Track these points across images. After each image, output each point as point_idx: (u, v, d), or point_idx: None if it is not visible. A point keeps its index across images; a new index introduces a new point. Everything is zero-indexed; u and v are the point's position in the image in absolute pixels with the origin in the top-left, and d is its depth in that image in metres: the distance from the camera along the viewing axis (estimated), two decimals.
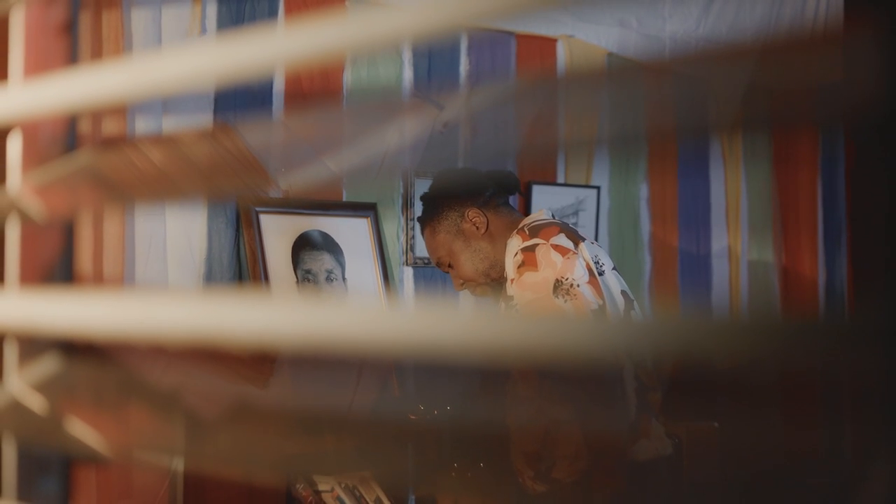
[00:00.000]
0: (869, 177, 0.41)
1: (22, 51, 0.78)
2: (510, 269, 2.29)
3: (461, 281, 2.52)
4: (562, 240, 2.29)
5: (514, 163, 3.75)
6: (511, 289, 2.28)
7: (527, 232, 2.32)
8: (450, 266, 2.51)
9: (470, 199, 2.53)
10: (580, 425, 2.23)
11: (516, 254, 2.28)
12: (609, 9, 3.59)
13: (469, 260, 2.48)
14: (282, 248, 3.04)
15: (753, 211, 4.32)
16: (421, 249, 3.47)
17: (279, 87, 3.07)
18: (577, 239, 2.33)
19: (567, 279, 2.22)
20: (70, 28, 0.80)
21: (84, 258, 2.46)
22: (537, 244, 2.27)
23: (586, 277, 2.25)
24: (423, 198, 2.61)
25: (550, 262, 2.24)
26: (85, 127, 1.91)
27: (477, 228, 2.49)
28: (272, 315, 0.64)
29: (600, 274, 2.32)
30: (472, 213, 2.49)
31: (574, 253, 2.27)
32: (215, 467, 2.69)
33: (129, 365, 0.78)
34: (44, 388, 0.77)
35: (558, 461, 2.26)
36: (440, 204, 2.54)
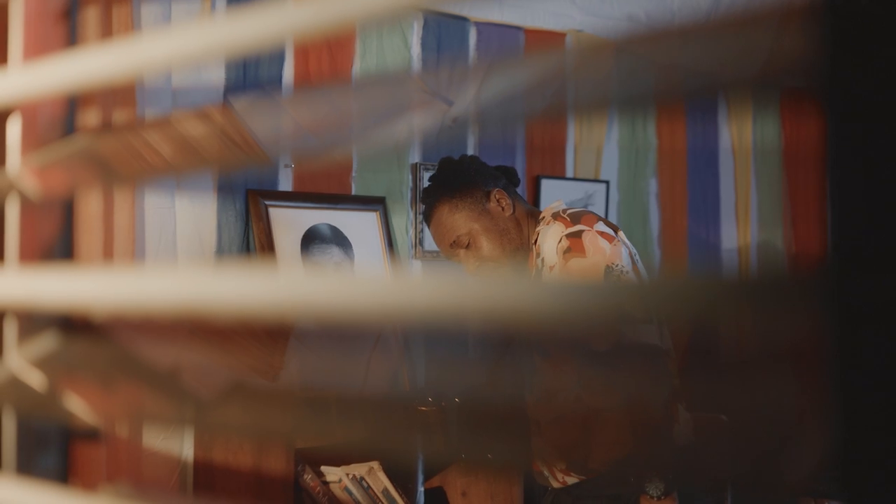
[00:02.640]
0: (851, 150, 0.42)
1: (21, 36, 0.80)
2: (551, 255, 2.23)
3: (478, 263, 2.41)
4: (604, 227, 2.25)
5: (524, 156, 3.76)
6: (551, 275, 2.23)
7: (568, 218, 2.27)
8: (467, 247, 2.41)
9: (492, 180, 2.47)
10: (623, 412, 2.22)
11: (560, 240, 2.22)
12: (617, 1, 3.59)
13: (496, 239, 2.39)
14: (291, 242, 3.06)
15: (763, 205, 4.31)
16: (430, 243, 3.48)
17: (288, 78, 3.09)
18: (614, 227, 2.29)
19: (617, 266, 2.18)
20: (69, 15, 0.82)
21: (94, 251, 2.49)
22: (583, 230, 2.22)
23: (630, 265, 2.22)
24: (437, 177, 2.52)
25: (599, 248, 2.19)
26: (93, 117, 1.93)
27: (503, 209, 2.42)
28: (276, 286, 0.65)
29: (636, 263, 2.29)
30: (499, 194, 2.43)
31: (618, 240, 2.23)
32: (216, 448, 2.71)
33: (129, 342, 0.80)
34: (43, 364, 0.78)
35: (595, 450, 2.23)
36: (461, 182, 2.45)
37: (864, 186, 0.41)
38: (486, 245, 2.39)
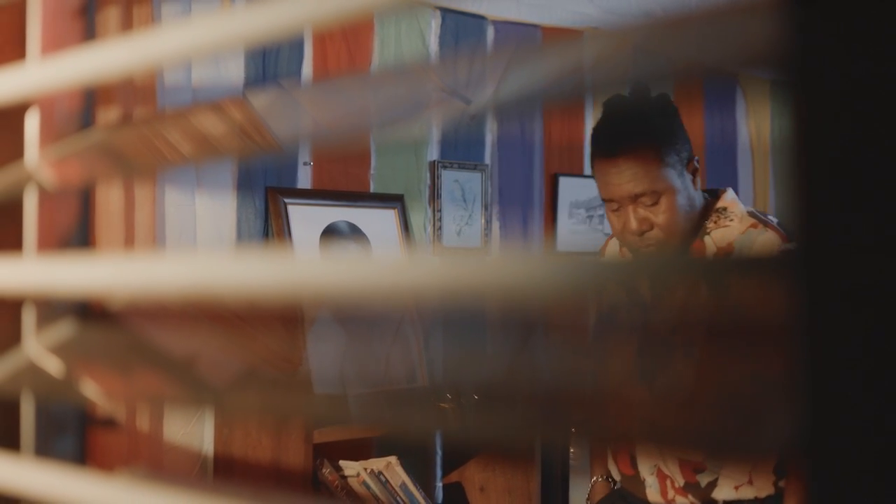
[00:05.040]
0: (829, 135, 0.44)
1: (39, 32, 0.83)
2: None
3: (643, 229, 1.98)
4: None
5: (541, 153, 3.77)
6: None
7: (781, 230, 1.99)
8: (652, 205, 1.97)
9: (690, 144, 2.04)
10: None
11: None
12: None
13: (682, 213, 1.98)
14: (309, 239, 3.09)
15: (781, 202, 4.30)
16: (449, 239, 3.50)
17: (307, 75, 3.13)
18: None
19: None
20: (86, 12, 0.85)
21: (115, 247, 2.52)
22: None
23: None
24: (650, 112, 2.03)
25: None
26: (113, 114, 1.96)
27: (693, 180, 2.02)
28: (293, 268, 0.66)
29: None
30: (697, 164, 2.04)
31: None
32: (235, 442, 2.74)
33: (146, 330, 0.82)
34: (61, 350, 0.81)
35: (723, 481, 2.01)
36: (676, 134, 2.01)
37: (836, 170, 0.43)
38: (668, 213, 1.97)
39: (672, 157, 1.96)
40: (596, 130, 2.07)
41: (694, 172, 2.02)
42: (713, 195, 2.08)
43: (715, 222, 2.04)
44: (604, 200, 2.04)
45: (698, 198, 2.03)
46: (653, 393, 1.94)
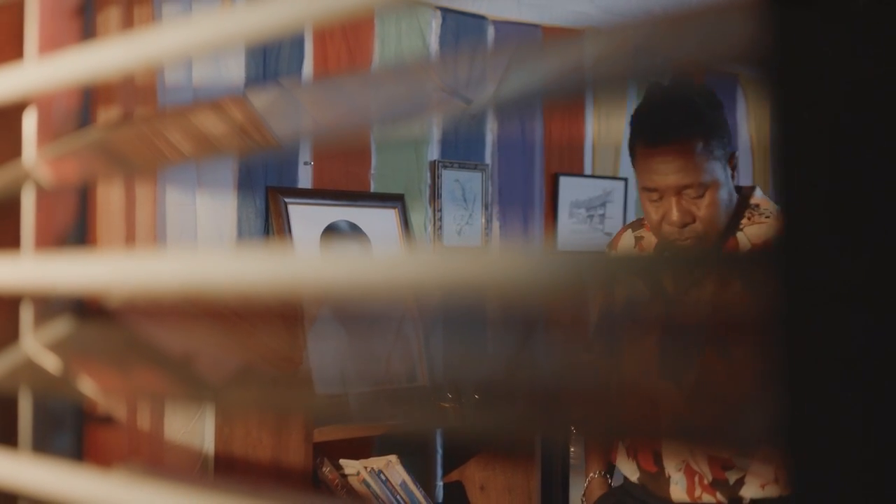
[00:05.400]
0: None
1: (37, 31, 0.83)
2: None
3: (690, 220, 1.93)
4: None
5: (542, 153, 3.78)
6: None
7: None
8: (696, 198, 1.92)
9: (732, 136, 2.00)
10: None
11: None
12: None
13: (723, 202, 1.94)
14: (310, 238, 3.09)
15: (780, 202, 4.31)
16: (449, 239, 3.50)
17: (307, 75, 3.13)
18: None
19: None
20: (83, 13, 0.85)
21: (116, 247, 2.52)
22: None
23: None
24: (701, 104, 1.96)
25: None
26: (114, 113, 1.96)
27: (733, 177, 1.98)
28: (294, 267, 0.66)
29: None
30: (736, 158, 2.00)
31: None
32: (236, 441, 2.74)
33: (143, 327, 0.83)
34: (59, 347, 0.81)
35: (750, 478, 1.98)
36: (724, 128, 1.97)
37: (820, 172, 0.43)
38: (711, 207, 1.92)
39: (719, 151, 1.92)
40: (640, 117, 2.01)
41: (734, 167, 1.98)
42: (740, 192, 2.06)
43: (748, 219, 2.01)
44: (645, 189, 1.98)
45: (735, 194, 1.99)
46: (681, 389, 1.90)
